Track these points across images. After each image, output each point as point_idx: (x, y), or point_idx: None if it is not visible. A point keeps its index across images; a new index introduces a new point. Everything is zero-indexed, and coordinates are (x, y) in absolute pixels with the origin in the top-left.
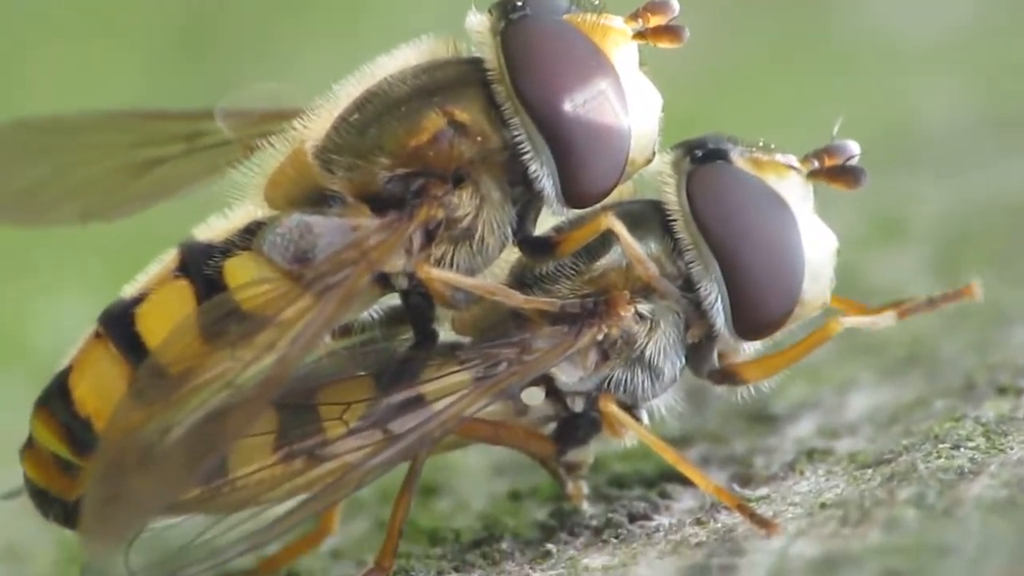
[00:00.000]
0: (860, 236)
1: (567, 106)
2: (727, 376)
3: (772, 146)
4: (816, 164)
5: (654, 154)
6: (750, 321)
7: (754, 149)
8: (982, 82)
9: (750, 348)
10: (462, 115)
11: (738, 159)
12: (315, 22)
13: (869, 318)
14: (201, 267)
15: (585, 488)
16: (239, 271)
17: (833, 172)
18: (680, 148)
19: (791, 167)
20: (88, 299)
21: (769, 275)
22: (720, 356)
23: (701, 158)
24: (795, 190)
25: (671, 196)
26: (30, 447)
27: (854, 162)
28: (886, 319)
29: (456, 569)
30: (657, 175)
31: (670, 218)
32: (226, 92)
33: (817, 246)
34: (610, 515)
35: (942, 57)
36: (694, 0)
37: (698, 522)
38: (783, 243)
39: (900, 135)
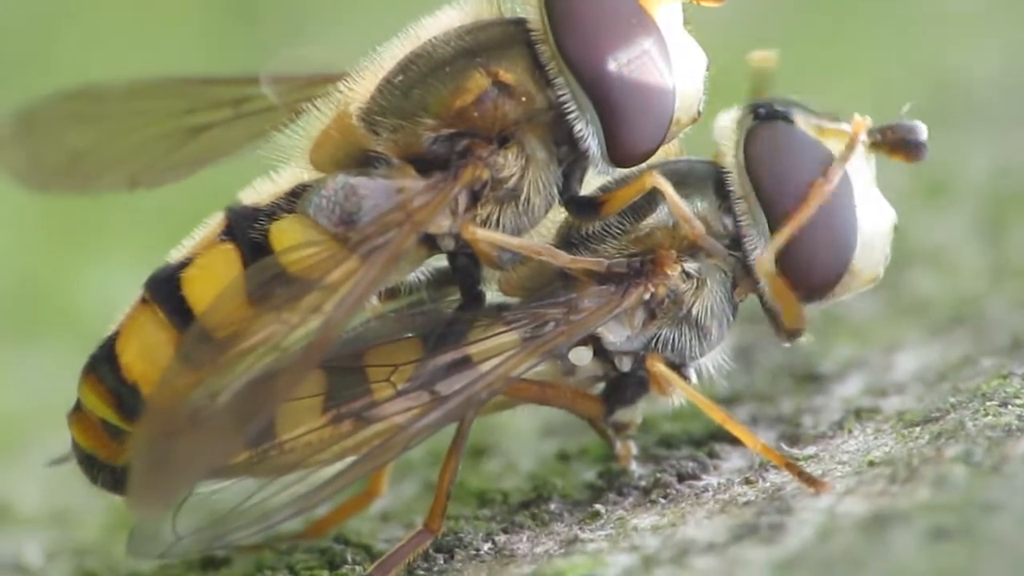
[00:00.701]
0: (905, 195)
1: (611, 65)
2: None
3: (839, 116)
4: (879, 137)
5: (700, 114)
6: (798, 284)
7: (822, 116)
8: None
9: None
10: (506, 75)
11: (801, 121)
12: None
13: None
14: (247, 231)
15: (634, 448)
16: (285, 234)
17: (895, 144)
18: (745, 107)
19: (850, 135)
20: (135, 266)
21: (819, 237)
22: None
23: (764, 116)
24: (855, 159)
25: (728, 149)
26: (78, 412)
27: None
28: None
29: (505, 531)
30: (719, 130)
31: (723, 171)
32: (273, 57)
33: (872, 217)
34: (658, 475)
35: (986, 18)
36: None
37: (747, 481)
38: (836, 206)
39: (944, 94)
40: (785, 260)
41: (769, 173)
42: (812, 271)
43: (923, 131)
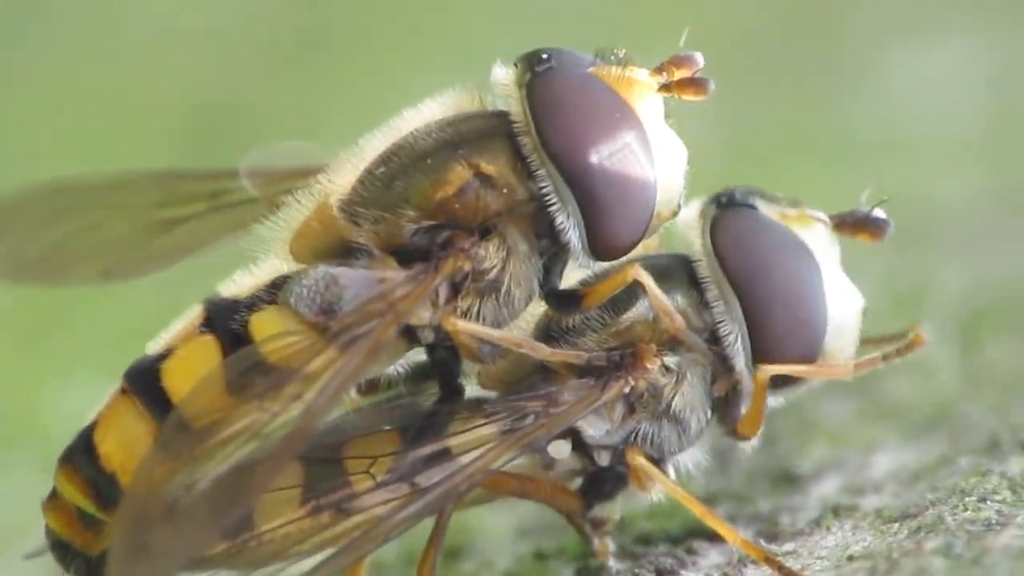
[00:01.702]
0: (880, 312)
1: (593, 158)
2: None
3: (800, 201)
4: (840, 219)
5: (680, 207)
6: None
7: (782, 202)
8: (995, 169)
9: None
10: (488, 167)
11: (764, 207)
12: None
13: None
14: (227, 322)
15: (612, 545)
16: (265, 324)
17: (858, 223)
18: (708, 197)
19: (817, 218)
20: (109, 362)
21: (791, 321)
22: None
23: (727, 204)
24: (820, 240)
25: (695, 239)
26: (53, 500)
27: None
28: (839, 371)
29: None
30: (685, 221)
31: (693, 261)
32: (252, 150)
33: (842, 301)
34: (637, 571)
35: (952, 146)
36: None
37: None
38: (806, 289)
39: (912, 211)
40: (759, 348)
41: (737, 258)
42: (784, 357)
43: (882, 212)
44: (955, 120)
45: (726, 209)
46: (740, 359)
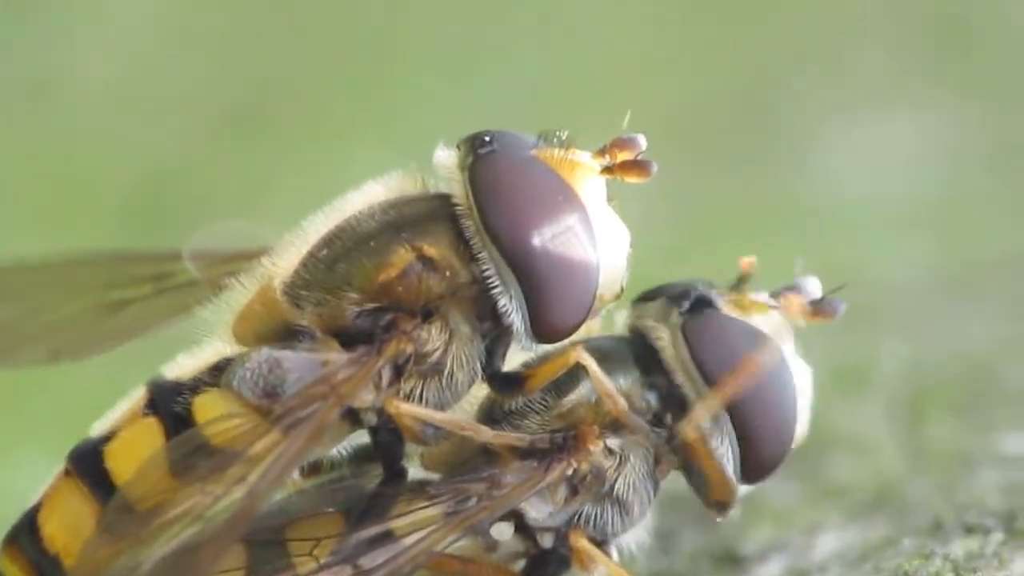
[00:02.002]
0: (823, 387)
1: (536, 241)
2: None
3: (742, 286)
4: (785, 301)
5: (623, 289)
6: (761, 469)
7: (730, 293)
8: (932, 245)
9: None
10: (431, 250)
11: (724, 305)
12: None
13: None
14: (170, 404)
15: None
16: (208, 407)
17: (811, 311)
18: (662, 299)
19: (771, 306)
20: (52, 443)
21: (771, 420)
22: None
23: (690, 309)
24: (780, 328)
25: (667, 348)
26: None
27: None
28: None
29: None
30: (645, 327)
31: (668, 370)
32: (194, 232)
33: (805, 384)
34: None
35: (894, 221)
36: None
37: None
38: (780, 386)
39: (860, 290)
40: (746, 452)
41: (717, 367)
42: (768, 454)
43: (816, 286)
44: (899, 195)
45: (691, 315)
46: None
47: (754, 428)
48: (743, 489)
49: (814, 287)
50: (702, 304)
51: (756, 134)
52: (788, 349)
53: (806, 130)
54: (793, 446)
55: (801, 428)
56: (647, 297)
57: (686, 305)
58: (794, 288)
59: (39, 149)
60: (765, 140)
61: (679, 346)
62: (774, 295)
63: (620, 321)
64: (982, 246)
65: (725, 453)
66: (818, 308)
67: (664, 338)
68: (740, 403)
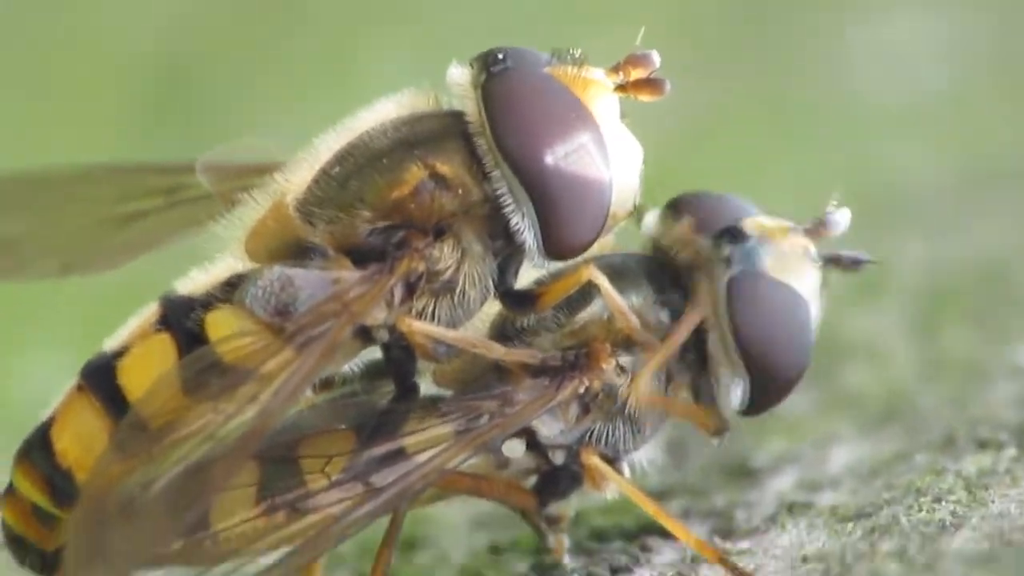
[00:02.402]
0: (838, 292)
1: (548, 159)
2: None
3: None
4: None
5: (635, 207)
6: (770, 396)
7: (761, 217)
8: (956, 143)
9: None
10: (443, 168)
11: (755, 233)
12: (295, 78)
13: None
14: (182, 320)
15: (566, 541)
16: (220, 324)
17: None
18: (709, 238)
19: (791, 227)
20: (66, 358)
21: (785, 349)
22: None
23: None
24: (807, 259)
25: (703, 294)
26: (10, 495)
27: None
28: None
29: None
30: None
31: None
32: (205, 147)
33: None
34: (591, 569)
35: (918, 119)
36: (668, 63)
37: (679, 575)
38: (797, 323)
39: (877, 194)
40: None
41: (754, 331)
42: (777, 390)
43: (845, 219)
44: (916, 93)
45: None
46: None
47: (763, 364)
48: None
49: (844, 219)
50: (747, 256)
51: (770, 40)
52: (812, 283)
53: (823, 29)
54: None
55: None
56: (673, 208)
57: (729, 252)
58: (825, 223)
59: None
60: (779, 45)
61: (719, 301)
62: (807, 228)
63: (647, 221)
64: (1001, 149)
65: (733, 387)
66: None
67: (703, 285)
68: (752, 338)
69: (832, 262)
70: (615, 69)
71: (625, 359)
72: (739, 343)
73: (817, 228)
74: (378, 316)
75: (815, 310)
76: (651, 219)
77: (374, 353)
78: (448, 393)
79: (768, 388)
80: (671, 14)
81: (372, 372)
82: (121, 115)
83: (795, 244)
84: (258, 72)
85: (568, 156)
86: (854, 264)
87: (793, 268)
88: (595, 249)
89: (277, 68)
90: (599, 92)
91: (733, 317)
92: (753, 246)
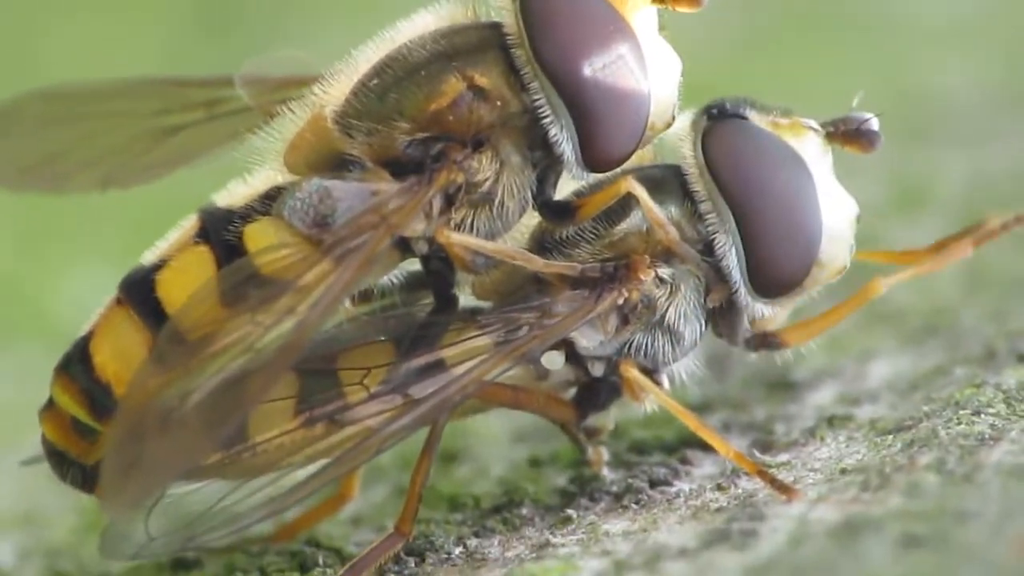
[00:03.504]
0: (880, 205)
1: (587, 70)
2: (766, 342)
3: (792, 110)
4: (832, 129)
5: (674, 119)
6: (767, 279)
7: (774, 111)
8: (997, 57)
9: (778, 314)
10: (481, 79)
11: (756, 117)
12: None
13: (910, 270)
14: (221, 233)
15: (605, 454)
16: (259, 236)
17: (849, 134)
18: (699, 108)
19: (809, 127)
20: (107, 270)
21: (785, 230)
22: (755, 324)
23: (718, 116)
24: (812, 149)
25: (687, 152)
26: (49, 409)
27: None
28: (929, 264)
29: (476, 535)
30: (676, 134)
31: (686, 173)
32: (246, 59)
33: (835, 208)
34: (630, 480)
35: (959, 33)
36: None
37: (718, 487)
38: (799, 198)
39: (918, 107)
40: (752, 257)
41: (729, 169)
42: (780, 267)
43: (874, 121)
44: (954, 7)
45: (717, 120)
46: (735, 270)
47: (764, 239)
48: (781, 314)
49: (866, 117)
50: (732, 114)
51: None
52: (823, 173)
53: None
54: (822, 271)
55: (837, 255)
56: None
57: (715, 112)
58: (846, 118)
59: None
60: None
61: (697, 150)
62: (825, 122)
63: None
64: None
65: (729, 258)
66: (857, 138)
67: (687, 141)
68: (750, 209)
69: (837, 131)
70: None
71: (664, 271)
72: (724, 194)
73: (839, 127)
74: (417, 228)
75: (820, 174)
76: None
77: (413, 265)
78: (487, 305)
79: (763, 247)
80: None
81: (411, 284)
82: (159, 29)
83: (794, 119)
84: None
85: (606, 67)
86: (860, 136)
87: (785, 127)
88: (634, 161)
89: None
90: (637, 3)
91: (710, 164)
92: (736, 103)
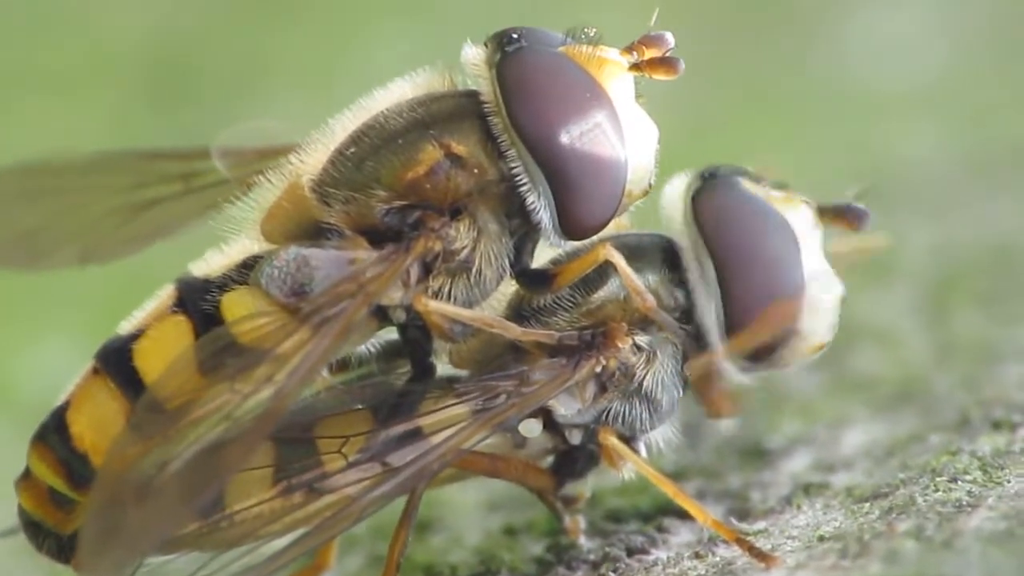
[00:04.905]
0: (847, 274)
1: (564, 138)
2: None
3: (787, 184)
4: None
5: (651, 186)
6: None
7: (768, 181)
8: (959, 126)
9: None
10: (459, 147)
11: (749, 185)
12: (287, 70)
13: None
14: (198, 302)
15: (582, 522)
16: (236, 305)
17: (839, 212)
18: (694, 172)
19: (802, 200)
20: (74, 346)
21: (768, 296)
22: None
23: (711, 179)
24: (803, 221)
25: (678, 213)
26: (26, 479)
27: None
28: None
29: None
30: (667, 196)
31: (673, 234)
32: (220, 131)
33: (820, 283)
34: (608, 549)
35: (918, 103)
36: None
37: (696, 556)
38: (785, 265)
39: (881, 177)
40: (734, 324)
41: (719, 230)
42: (763, 294)
43: (863, 209)
44: (916, 75)
45: (710, 182)
46: (715, 334)
47: (749, 311)
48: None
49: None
50: (725, 179)
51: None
52: (812, 246)
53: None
54: (802, 345)
55: (819, 330)
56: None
57: (708, 176)
58: (844, 210)
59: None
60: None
61: (687, 210)
62: (823, 211)
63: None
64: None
65: (707, 316)
66: (845, 214)
67: (679, 205)
68: (735, 274)
69: (832, 212)
70: (629, 49)
71: (642, 338)
72: (708, 249)
73: (833, 213)
74: (394, 296)
75: (809, 247)
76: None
77: (391, 333)
78: (465, 373)
79: (745, 313)
80: (670, 3)
81: (389, 352)
82: (119, 103)
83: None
84: (259, 55)
85: (583, 135)
86: (849, 211)
87: (777, 198)
88: (611, 228)
89: (284, 48)
90: (614, 71)
91: (700, 225)
92: (731, 171)
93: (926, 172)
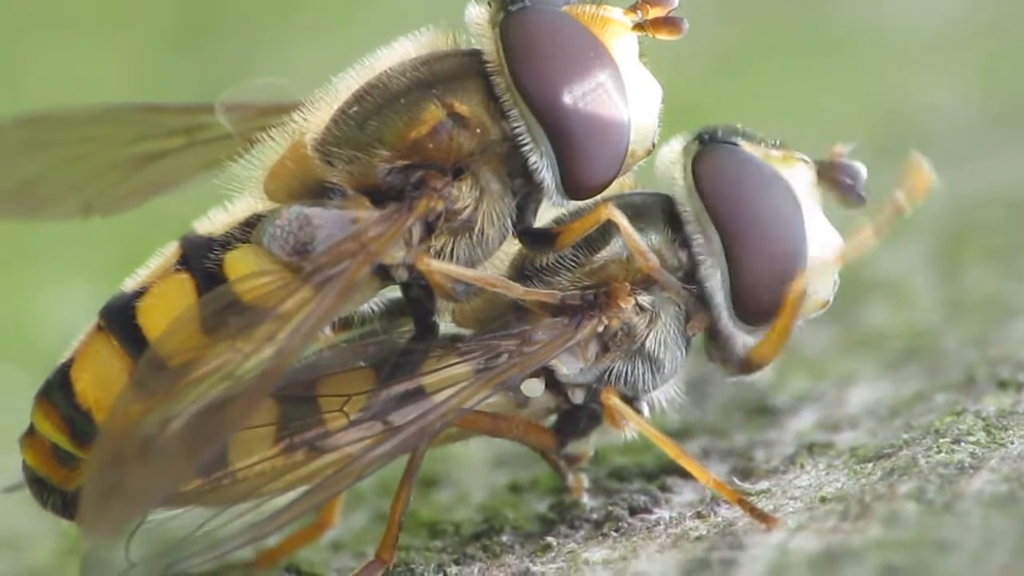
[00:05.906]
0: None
1: (567, 98)
2: (750, 364)
3: (785, 142)
4: (820, 172)
5: (654, 146)
6: (749, 305)
7: (766, 141)
8: (980, 74)
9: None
10: (461, 107)
11: (747, 146)
12: (307, 18)
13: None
14: (201, 260)
15: (585, 481)
16: (239, 264)
17: (833, 185)
18: (691, 134)
19: (800, 159)
20: (88, 291)
21: (770, 256)
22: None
23: (709, 141)
24: (802, 180)
25: (677, 175)
26: (30, 436)
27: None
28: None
29: (456, 562)
30: (667, 157)
31: (674, 197)
32: (219, 88)
33: (821, 241)
34: (610, 508)
35: (940, 49)
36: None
37: (698, 516)
38: (786, 226)
39: (900, 127)
40: (737, 282)
41: (719, 193)
42: (765, 292)
43: (862, 176)
44: (941, 24)
45: (709, 146)
46: (719, 295)
47: (751, 268)
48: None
49: (857, 174)
50: (723, 141)
51: None
52: (811, 204)
53: None
54: (809, 303)
55: (821, 288)
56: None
57: (707, 138)
58: (837, 167)
59: None
60: None
61: (688, 173)
62: (821, 168)
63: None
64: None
65: (712, 278)
66: (839, 190)
67: (678, 167)
68: (737, 236)
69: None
70: (633, 8)
71: (644, 298)
72: (714, 218)
73: (830, 170)
74: (397, 255)
75: (809, 204)
76: (664, 150)
77: (393, 292)
78: (467, 332)
79: (748, 273)
80: None
81: (391, 311)
82: (135, 53)
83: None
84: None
85: (586, 95)
86: (843, 189)
87: (777, 158)
88: (614, 188)
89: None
90: (617, 31)
91: (700, 188)
92: (729, 131)
93: (944, 121)
